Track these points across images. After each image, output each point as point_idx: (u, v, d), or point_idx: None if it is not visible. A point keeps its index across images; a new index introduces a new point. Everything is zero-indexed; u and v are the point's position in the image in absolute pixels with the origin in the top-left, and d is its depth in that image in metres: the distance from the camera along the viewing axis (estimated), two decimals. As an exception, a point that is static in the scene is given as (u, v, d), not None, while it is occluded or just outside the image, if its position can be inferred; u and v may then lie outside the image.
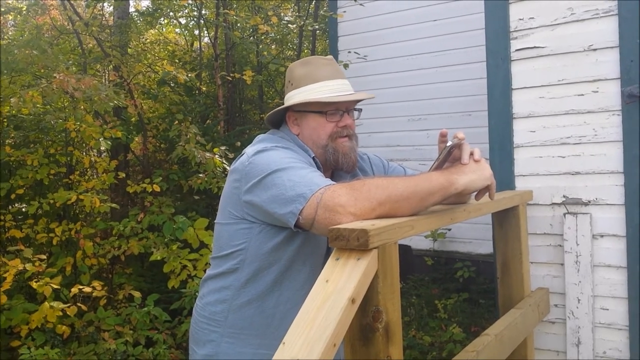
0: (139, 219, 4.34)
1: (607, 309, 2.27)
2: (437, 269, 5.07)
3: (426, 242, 5.04)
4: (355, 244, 1.20)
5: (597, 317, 2.29)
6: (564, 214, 2.33)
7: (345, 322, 1.12)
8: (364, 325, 1.24)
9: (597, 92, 2.26)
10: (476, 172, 1.48)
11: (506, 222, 2.20)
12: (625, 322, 2.23)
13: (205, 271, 4.11)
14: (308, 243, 1.58)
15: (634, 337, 2.21)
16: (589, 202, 2.30)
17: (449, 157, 1.53)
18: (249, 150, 1.59)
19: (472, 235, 4.92)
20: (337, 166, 1.66)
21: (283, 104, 1.72)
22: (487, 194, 1.53)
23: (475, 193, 1.54)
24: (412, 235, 1.39)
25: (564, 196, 2.35)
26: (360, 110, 1.73)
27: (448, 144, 1.49)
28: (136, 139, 5.74)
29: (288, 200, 1.40)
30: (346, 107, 1.66)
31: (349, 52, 5.27)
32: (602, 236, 2.27)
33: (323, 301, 1.13)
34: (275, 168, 1.46)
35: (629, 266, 2.21)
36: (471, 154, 1.51)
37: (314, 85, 1.64)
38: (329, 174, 1.69)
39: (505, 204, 2.11)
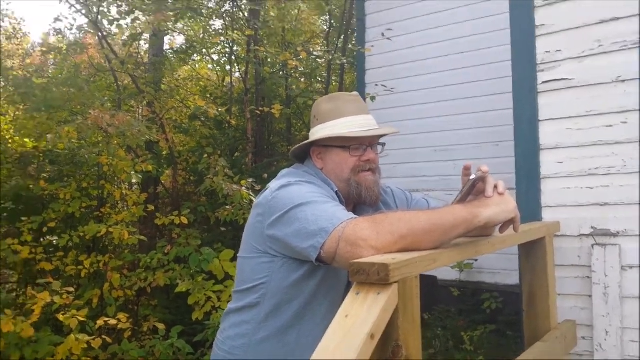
0: (166, 251, 4.40)
1: (636, 342, 2.19)
2: (464, 300, 4.96)
3: (453, 273, 4.95)
4: (375, 278, 1.19)
5: (626, 350, 2.20)
6: (592, 245, 2.27)
7: (365, 357, 1.10)
8: (383, 362, 1.23)
9: (625, 122, 2.23)
10: (500, 205, 1.46)
11: (532, 253, 2.16)
12: (659, 357, 2.14)
13: (229, 302, 4.14)
14: (329, 277, 1.57)
15: (671, 374, 2.12)
16: (618, 233, 2.24)
17: (473, 189, 1.52)
18: (273, 185, 1.61)
19: (499, 266, 4.82)
20: (360, 200, 1.66)
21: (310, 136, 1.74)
22: (512, 226, 1.51)
23: (499, 226, 1.53)
24: (434, 268, 1.37)
25: (592, 227, 2.30)
26: (384, 144, 1.74)
27: (472, 177, 1.48)
28: (166, 172, 5.85)
29: (310, 234, 1.40)
30: (370, 142, 1.67)
31: (376, 84, 5.32)
32: (631, 267, 2.20)
33: (342, 337, 1.12)
34: (299, 202, 1.47)
35: (662, 300, 2.13)
36: (495, 186, 1.49)
37: (338, 121, 1.66)
38: (352, 207, 1.69)
39: (532, 235, 2.07)
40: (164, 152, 5.74)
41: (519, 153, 2.47)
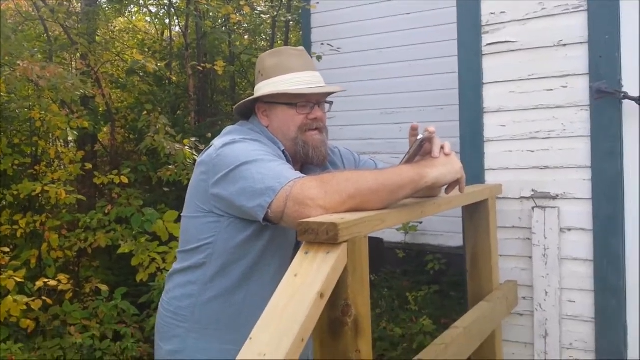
0: (106, 211, 4.25)
1: (574, 302, 2.31)
2: (409, 261, 5.09)
3: (398, 235, 5.06)
4: (324, 237, 1.18)
5: (564, 310, 2.32)
6: (533, 208, 2.36)
7: (314, 316, 1.10)
8: (332, 320, 1.23)
9: (566, 87, 2.28)
10: (446, 165, 1.48)
11: (476, 215, 2.21)
12: (592, 314, 2.27)
13: (173, 264, 4.08)
14: (277, 237, 1.56)
15: (600, 329, 2.25)
16: (557, 196, 2.32)
17: (420, 150, 1.52)
18: (217, 142, 1.56)
19: (443, 228, 4.95)
20: (307, 159, 1.63)
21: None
22: (458, 187, 1.53)
23: (445, 187, 1.54)
24: (382, 228, 1.38)
25: (532, 190, 2.37)
26: (331, 103, 1.71)
27: (419, 138, 1.48)
28: (104, 129, 5.61)
29: (257, 193, 1.37)
30: (317, 100, 1.64)
31: (322, 44, 5.24)
32: (569, 230, 2.30)
33: (291, 296, 1.11)
34: (244, 160, 1.43)
35: (596, 259, 2.24)
36: (442, 147, 1.50)
37: (284, 77, 1.61)
38: (299, 167, 1.66)
39: (475, 197, 2.11)
40: (101, 109, 5.49)
41: (463, 116, 2.50)
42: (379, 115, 5.27)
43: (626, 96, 2.13)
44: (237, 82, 7.99)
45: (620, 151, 2.18)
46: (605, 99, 2.18)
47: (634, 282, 2.21)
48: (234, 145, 1.50)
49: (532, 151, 2.37)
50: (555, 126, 2.31)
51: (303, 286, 1.12)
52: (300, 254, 1.20)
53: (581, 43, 2.24)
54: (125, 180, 4.27)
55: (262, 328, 1.06)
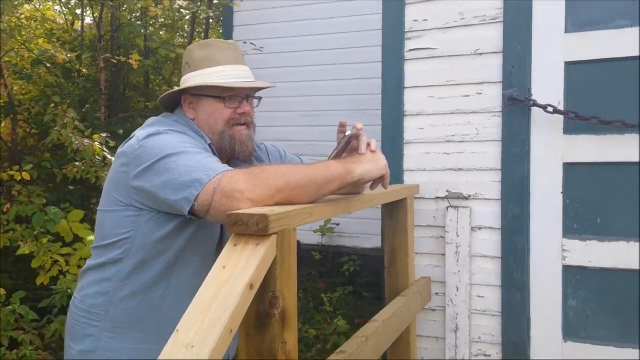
0: (5, 209, 3.95)
1: (483, 297, 2.43)
2: (325, 263, 5.14)
3: (315, 237, 5.09)
4: (254, 229, 1.16)
5: (474, 305, 2.44)
6: (447, 208, 2.46)
7: (243, 307, 1.08)
8: (260, 312, 1.21)
9: (481, 94, 2.41)
10: (372, 162, 1.51)
11: (395, 214, 2.27)
12: (499, 308, 2.40)
13: (79, 267, 3.85)
14: (200, 233, 1.51)
15: (506, 322, 2.39)
16: (470, 196, 2.44)
17: (347, 147, 1.54)
18: (139, 133, 1.49)
19: (359, 230, 5.05)
20: (234, 154, 1.61)
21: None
22: (382, 184, 1.57)
23: (370, 184, 1.57)
24: (310, 222, 1.38)
25: (447, 191, 2.48)
26: (260, 98, 1.69)
27: (347, 134, 1.50)
28: (3, 122, 5.21)
29: (182, 186, 1.32)
30: (246, 94, 1.62)
31: (245, 42, 5.18)
32: (480, 228, 2.42)
33: (220, 287, 1.08)
34: (170, 152, 1.38)
35: (503, 257, 2.38)
36: (368, 144, 1.53)
37: (213, 69, 1.57)
38: (225, 162, 1.63)
39: (395, 196, 2.17)
40: (2, 100, 5.09)
41: (385, 118, 2.57)
42: (299, 117, 5.29)
43: (535, 104, 2.28)
44: (152, 79, 7.73)
45: (528, 155, 2.33)
46: (516, 106, 2.32)
47: (537, 278, 2.36)
48: (159, 137, 1.44)
49: (448, 154, 2.47)
50: (470, 130, 2.43)
51: (232, 278, 1.10)
52: (228, 247, 1.17)
53: (496, 53, 2.37)
54: (26, 176, 4.00)
55: (190, 320, 1.03)
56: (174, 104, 1.66)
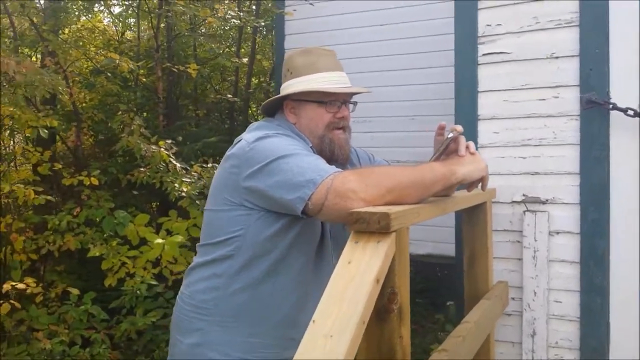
0: (75, 213, 4.12)
1: (561, 302, 2.41)
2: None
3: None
4: (375, 227, 1.21)
5: (551, 310, 2.43)
6: (524, 212, 2.46)
7: (372, 301, 1.13)
8: (379, 307, 1.25)
9: (557, 97, 2.41)
10: (473, 163, 1.55)
11: (474, 217, 2.29)
12: (577, 314, 2.38)
13: (145, 269, 3.97)
14: (304, 232, 1.58)
15: (585, 327, 2.37)
16: (547, 200, 2.44)
17: (447, 149, 1.58)
18: (248, 136, 1.57)
19: (414, 236, 5.03)
20: (332, 157, 1.67)
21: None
22: (481, 185, 1.60)
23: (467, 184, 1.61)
24: (418, 221, 1.42)
25: (523, 195, 2.48)
26: (355, 103, 1.75)
27: (449, 136, 1.54)
28: (70, 130, 5.43)
29: (297, 186, 1.39)
30: (344, 99, 1.68)
31: (297, 51, 5.26)
32: (558, 233, 2.41)
33: (348, 281, 1.13)
34: (282, 154, 1.45)
35: (582, 261, 2.36)
36: (467, 146, 1.57)
37: (315, 76, 1.64)
38: (324, 164, 1.69)
39: (477, 199, 2.19)
40: (67, 108, 5.30)
41: (459, 122, 2.57)
42: (352, 124, 5.32)
43: (614, 107, 2.27)
44: (203, 87, 7.91)
45: (607, 158, 2.32)
46: (594, 109, 2.31)
47: (617, 283, 2.34)
48: (268, 140, 1.52)
49: (524, 157, 2.48)
50: (547, 134, 2.43)
51: (358, 272, 1.15)
52: (350, 243, 1.22)
53: (572, 56, 2.37)
54: (95, 181, 4.16)
55: (324, 312, 1.08)
56: (273, 109, 1.73)
